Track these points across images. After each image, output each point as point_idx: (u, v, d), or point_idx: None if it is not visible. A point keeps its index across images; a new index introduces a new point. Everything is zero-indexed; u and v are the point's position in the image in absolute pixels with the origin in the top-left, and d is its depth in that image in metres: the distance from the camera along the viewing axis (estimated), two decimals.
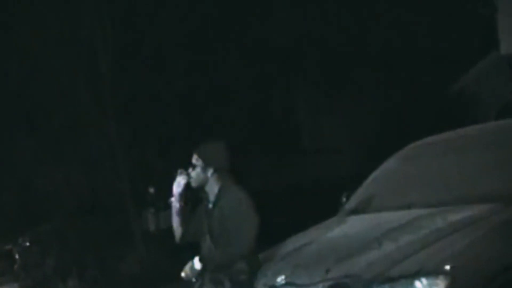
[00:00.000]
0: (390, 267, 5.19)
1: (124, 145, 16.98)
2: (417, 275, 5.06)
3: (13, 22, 16.90)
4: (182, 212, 6.21)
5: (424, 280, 5.03)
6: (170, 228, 6.40)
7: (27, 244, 16.25)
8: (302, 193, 16.94)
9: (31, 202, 17.85)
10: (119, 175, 16.96)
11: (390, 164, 7.15)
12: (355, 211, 6.70)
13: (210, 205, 6.11)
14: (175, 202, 6.21)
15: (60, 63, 16.80)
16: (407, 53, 18.47)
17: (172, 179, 6.18)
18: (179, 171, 6.13)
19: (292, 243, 6.23)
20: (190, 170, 6.10)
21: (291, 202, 16.22)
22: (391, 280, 5.12)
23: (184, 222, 6.21)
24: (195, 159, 6.10)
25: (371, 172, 7.17)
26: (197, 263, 6.00)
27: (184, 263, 6.14)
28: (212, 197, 6.10)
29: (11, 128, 17.74)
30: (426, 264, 5.13)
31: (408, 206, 6.19)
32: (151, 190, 18.13)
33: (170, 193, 6.25)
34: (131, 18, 16.76)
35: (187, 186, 6.13)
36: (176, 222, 6.24)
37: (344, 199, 7.14)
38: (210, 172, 6.06)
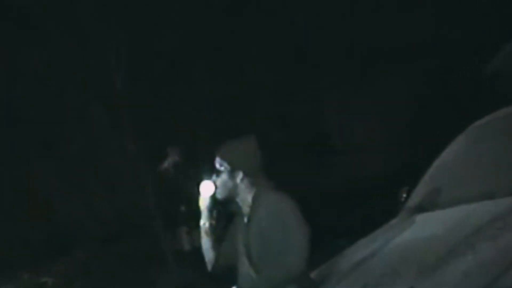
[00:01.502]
0: (497, 276, 3.93)
1: (147, 163, 16.15)
2: None
3: (25, 45, 16.29)
4: (212, 232, 4.91)
5: None
6: None
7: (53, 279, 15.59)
8: (336, 195, 16.02)
9: (54, 232, 17.13)
10: (145, 196, 16.08)
11: (454, 149, 6.09)
12: (421, 208, 5.56)
13: (245, 219, 4.81)
14: (203, 219, 4.91)
15: (74, 84, 16.15)
16: (436, 41, 17.75)
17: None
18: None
19: (353, 255, 4.99)
20: (214, 177, 4.79)
21: (326, 205, 15.26)
22: None
23: (216, 243, 4.94)
24: (218, 164, 4.77)
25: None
26: None
27: (223, 283, 5.01)
28: (246, 209, 4.78)
29: (27, 154, 16.92)
30: None
31: (490, 195, 5.04)
32: (183, 208, 17.26)
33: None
34: (144, 33, 15.97)
35: (215, 198, 4.86)
36: (206, 244, 4.96)
37: (403, 196, 5.95)
38: (239, 177, 4.73)
